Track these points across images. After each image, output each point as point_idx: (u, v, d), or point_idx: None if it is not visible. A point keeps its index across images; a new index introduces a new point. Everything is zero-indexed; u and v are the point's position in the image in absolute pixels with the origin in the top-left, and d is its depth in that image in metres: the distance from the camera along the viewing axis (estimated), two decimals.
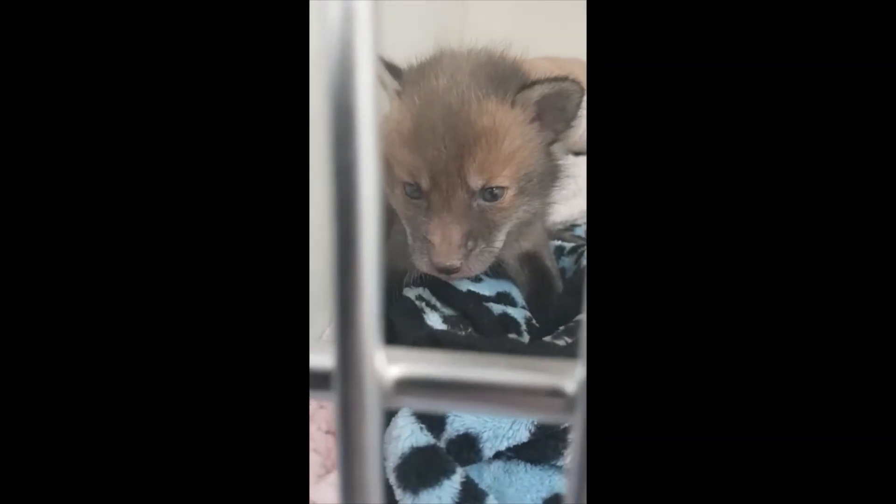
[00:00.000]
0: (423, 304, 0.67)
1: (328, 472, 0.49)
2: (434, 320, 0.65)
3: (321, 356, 0.18)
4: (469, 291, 0.71)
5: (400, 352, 0.18)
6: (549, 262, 0.73)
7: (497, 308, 0.67)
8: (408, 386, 0.17)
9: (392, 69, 0.61)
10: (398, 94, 0.61)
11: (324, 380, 0.18)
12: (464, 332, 0.64)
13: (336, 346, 0.17)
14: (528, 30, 1.31)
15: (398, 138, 0.57)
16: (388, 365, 0.17)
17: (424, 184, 0.56)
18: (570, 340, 0.53)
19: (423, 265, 0.58)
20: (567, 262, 0.77)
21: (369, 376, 0.17)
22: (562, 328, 0.53)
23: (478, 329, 0.64)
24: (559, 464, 0.45)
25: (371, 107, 0.15)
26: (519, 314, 0.67)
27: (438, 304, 0.69)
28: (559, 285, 0.70)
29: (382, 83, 0.63)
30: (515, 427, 0.46)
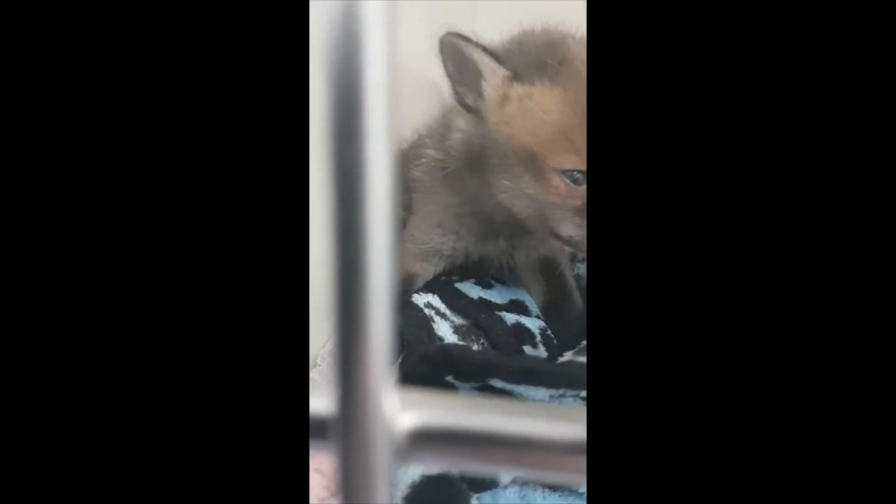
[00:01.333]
0: (433, 313, 0.64)
1: (332, 494, 0.46)
2: (444, 330, 0.62)
3: (318, 399, 0.15)
4: (480, 299, 0.68)
5: (415, 397, 0.14)
6: (568, 270, 0.70)
7: (510, 318, 0.64)
8: (424, 438, 0.14)
9: (496, 56, 0.57)
10: (512, 80, 0.56)
11: (321, 427, 0.15)
12: (476, 345, 0.61)
13: (337, 389, 0.14)
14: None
15: (566, 124, 0.53)
16: (400, 412, 0.14)
17: None
18: None
19: None
20: (583, 269, 0.74)
21: (378, 426, 0.14)
22: (583, 343, 0.50)
23: (491, 340, 0.61)
24: (580, 490, 0.41)
25: (384, 104, 0.13)
26: (533, 324, 0.63)
27: (448, 313, 0.66)
28: (578, 297, 0.67)
29: (472, 74, 0.57)
30: None
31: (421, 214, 0.69)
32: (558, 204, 0.55)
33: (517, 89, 0.56)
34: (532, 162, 0.55)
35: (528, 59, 0.57)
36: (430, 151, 0.64)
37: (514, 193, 0.57)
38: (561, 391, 0.44)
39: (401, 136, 0.80)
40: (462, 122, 0.61)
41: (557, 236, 0.57)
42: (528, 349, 0.60)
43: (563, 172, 0.54)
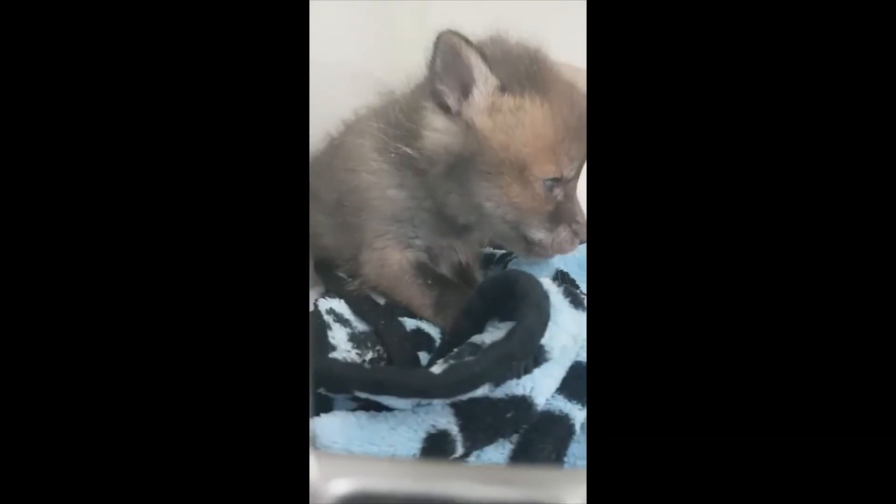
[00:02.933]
0: (332, 319, 0.61)
1: None
2: (339, 338, 0.58)
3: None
4: (386, 304, 0.65)
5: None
6: (478, 273, 0.67)
7: (411, 323, 0.60)
8: None
9: (490, 64, 0.57)
10: (501, 90, 0.58)
11: None
12: (372, 352, 0.58)
13: None
14: (493, 24, 1.25)
15: (556, 139, 0.57)
16: None
17: (571, 173, 0.58)
18: (471, 359, 0.47)
19: (572, 247, 0.60)
20: (496, 272, 0.71)
21: None
22: (455, 350, 0.47)
23: (388, 348, 0.58)
24: None
25: None
26: (434, 329, 0.60)
27: (353, 319, 0.63)
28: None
29: (461, 77, 0.58)
30: None
31: (371, 210, 0.66)
32: (536, 210, 0.58)
33: (507, 101, 0.57)
34: (521, 171, 0.57)
35: (516, 70, 0.58)
36: (405, 148, 0.61)
37: (501, 201, 0.58)
38: (416, 401, 0.41)
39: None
40: (440, 123, 0.59)
41: (528, 240, 0.60)
42: (423, 355, 0.57)
43: (543, 181, 0.57)
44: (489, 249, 0.75)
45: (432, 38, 0.58)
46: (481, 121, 0.57)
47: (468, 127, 0.57)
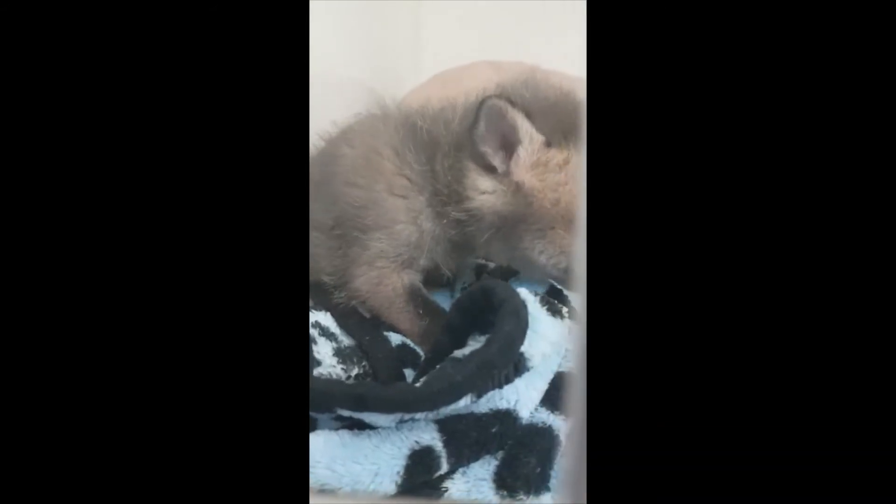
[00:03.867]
0: (317, 333, 0.60)
1: None
2: (324, 353, 0.58)
3: None
4: (372, 318, 0.64)
5: None
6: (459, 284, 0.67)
7: (396, 338, 0.60)
8: None
9: (535, 122, 0.57)
10: (547, 145, 0.57)
11: None
12: (358, 368, 0.57)
13: None
14: (484, 32, 1.25)
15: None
16: None
17: None
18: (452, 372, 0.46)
19: None
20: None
21: None
22: (448, 358, 0.46)
23: (372, 364, 0.57)
24: None
25: None
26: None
27: (338, 333, 0.62)
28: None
29: (507, 138, 0.58)
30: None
31: (390, 233, 0.64)
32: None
33: (554, 155, 0.57)
34: (572, 221, 0.56)
35: (559, 123, 0.57)
36: (453, 212, 0.61)
37: (554, 252, 0.58)
38: (400, 416, 0.41)
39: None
40: (488, 185, 0.59)
41: (575, 275, 0.63)
42: (409, 371, 0.56)
43: None
44: (482, 260, 0.74)
45: (425, 46, 0.57)
46: (530, 181, 0.57)
47: (517, 188, 0.57)
